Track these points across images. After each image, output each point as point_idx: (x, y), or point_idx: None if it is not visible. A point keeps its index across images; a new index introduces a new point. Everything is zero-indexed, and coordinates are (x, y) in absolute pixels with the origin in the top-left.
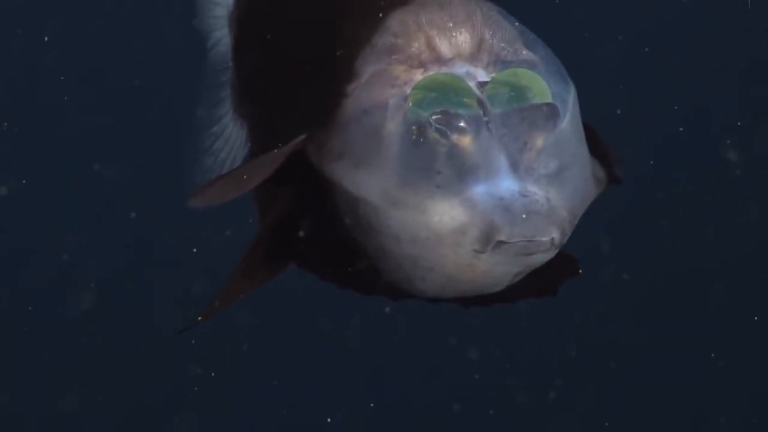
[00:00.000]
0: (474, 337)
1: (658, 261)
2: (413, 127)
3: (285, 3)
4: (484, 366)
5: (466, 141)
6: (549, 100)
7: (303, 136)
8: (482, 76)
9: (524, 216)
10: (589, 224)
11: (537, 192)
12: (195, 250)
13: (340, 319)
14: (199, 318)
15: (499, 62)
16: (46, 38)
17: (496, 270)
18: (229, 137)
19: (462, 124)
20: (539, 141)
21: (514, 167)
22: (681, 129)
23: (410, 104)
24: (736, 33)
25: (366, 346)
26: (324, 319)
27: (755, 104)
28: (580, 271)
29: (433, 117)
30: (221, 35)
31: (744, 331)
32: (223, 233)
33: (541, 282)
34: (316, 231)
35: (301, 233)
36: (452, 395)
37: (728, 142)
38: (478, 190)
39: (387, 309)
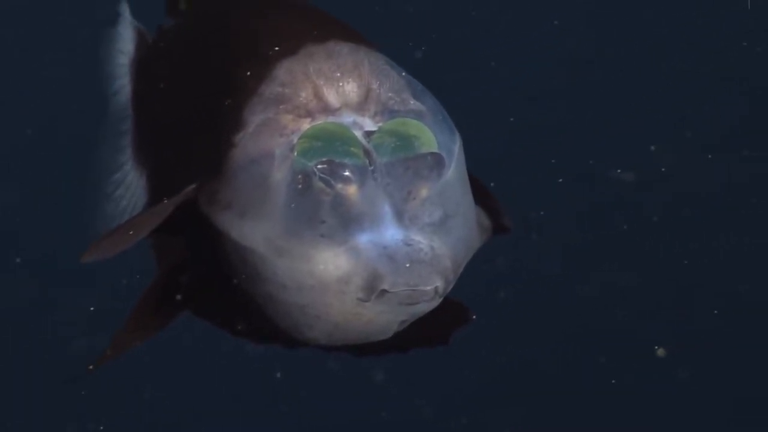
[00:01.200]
0: (381, 368)
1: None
2: (299, 176)
3: (178, 53)
4: (393, 398)
5: (350, 190)
6: (435, 149)
7: (192, 186)
8: (369, 125)
9: (408, 265)
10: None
11: (421, 241)
12: (92, 308)
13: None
14: (90, 367)
15: (386, 112)
16: None
17: (381, 318)
18: (131, 184)
19: (347, 173)
20: (424, 190)
21: (399, 216)
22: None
23: (296, 153)
24: (614, 76)
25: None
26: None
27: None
28: (474, 317)
29: (319, 166)
30: (123, 83)
31: (647, 375)
32: (120, 282)
33: (434, 330)
34: (208, 279)
35: (192, 281)
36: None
37: (623, 171)
38: (363, 239)
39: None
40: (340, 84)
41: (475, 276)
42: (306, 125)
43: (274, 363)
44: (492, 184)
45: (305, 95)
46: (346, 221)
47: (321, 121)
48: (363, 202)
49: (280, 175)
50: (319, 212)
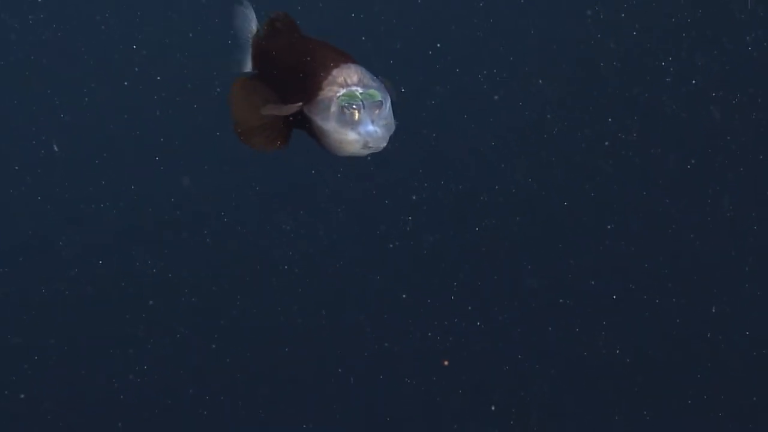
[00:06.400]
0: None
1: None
2: (341, 107)
3: (286, 51)
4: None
5: (357, 112)
6: (380, 99)
7: (300, 103)
8: (360, 91)
9: (375, 137)
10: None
11: (378, 130)
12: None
13: None
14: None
15: (365, 86)
16: None
17: (357, 149)
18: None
19: (355, 106)
20: (378, 112)
21: (372, 122)
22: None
23: (340, 99)
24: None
25: None
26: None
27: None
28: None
29: (348, 103)
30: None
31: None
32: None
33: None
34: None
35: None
36: None
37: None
38: (362, 129)
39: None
40: (353, 77)
41: None
42: (343, 90)
43: None
44: None
45: (342, 80)
46: (356, 123)
47: (347, 89)
48: (361, 116)
49: (334, 106)
50: (347, 119)
